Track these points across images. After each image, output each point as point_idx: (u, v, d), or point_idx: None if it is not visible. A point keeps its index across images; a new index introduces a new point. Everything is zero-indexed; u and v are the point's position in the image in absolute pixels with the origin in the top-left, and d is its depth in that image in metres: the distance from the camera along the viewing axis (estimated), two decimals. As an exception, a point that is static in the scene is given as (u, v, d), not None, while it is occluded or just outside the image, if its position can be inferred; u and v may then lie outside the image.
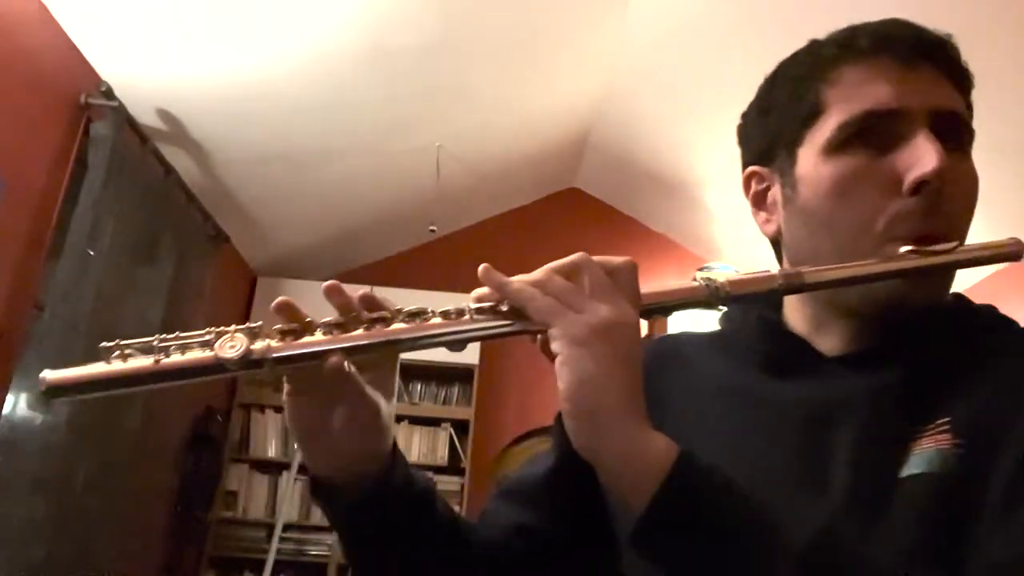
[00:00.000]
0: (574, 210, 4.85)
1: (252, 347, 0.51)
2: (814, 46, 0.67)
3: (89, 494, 2.60)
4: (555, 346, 0.51)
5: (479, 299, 0.54)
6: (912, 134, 0.59)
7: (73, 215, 2.47)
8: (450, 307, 0.54)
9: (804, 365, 0.64)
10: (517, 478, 0.77)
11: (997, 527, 0.49)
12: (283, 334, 0.53)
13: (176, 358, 0.51)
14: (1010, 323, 0.63)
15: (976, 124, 0.64)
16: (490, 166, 4.15)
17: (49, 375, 0.52)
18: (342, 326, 0.54)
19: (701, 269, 3.95)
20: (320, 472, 0.59)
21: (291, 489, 3.87)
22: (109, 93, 2.58)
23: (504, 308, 0.54)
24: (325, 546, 3.89)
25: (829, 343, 0.64)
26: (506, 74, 3.38)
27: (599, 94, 3.81)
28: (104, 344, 0.53)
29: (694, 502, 0.48)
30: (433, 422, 4.15)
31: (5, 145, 2.25)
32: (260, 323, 0.53)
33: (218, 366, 0.51)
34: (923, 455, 0.54)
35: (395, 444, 0.61)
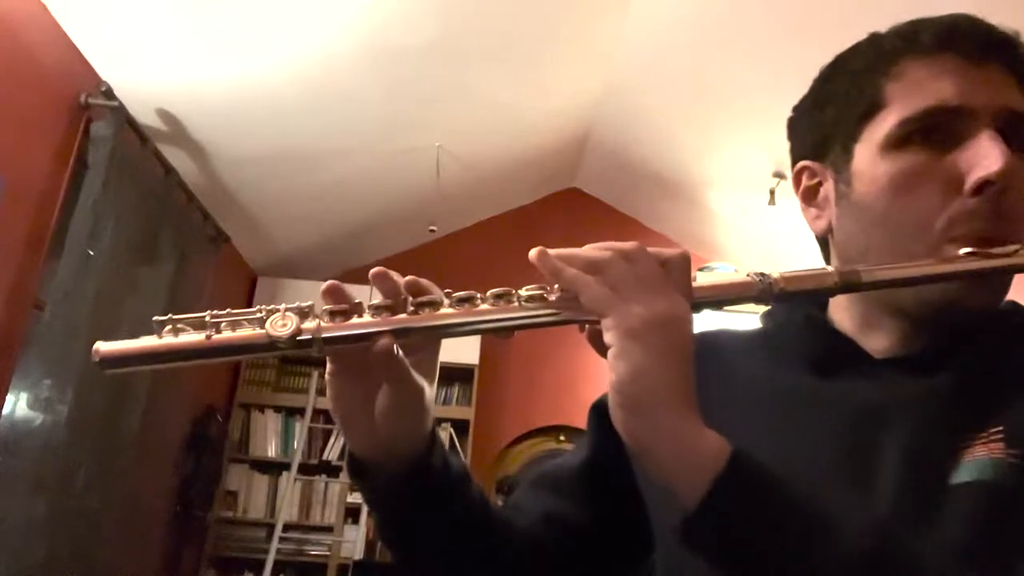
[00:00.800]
0: (574, 210, 4.85)
1: (303, 326, 0.51)
2: (875, 39, 0.65)
3: (89, 494, 2.60)
4: (608, 337, 0.50)
5: (530, 287, 0.53)
6: (975, 133, 0.57)
7: (73, 215, 2.47)
8: (500, 289, 0.53)
9: (852, 366, 0.62)
10: (549, 468, 0.76)
11: None
12: (332, 314, 0.53)
13: (228, 334, 0.52)
14: None
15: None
16: (490, 166, 4.15)
17: (103, 346, 0.52)
18: (390, 308, 0.53)
19: (701, 269, 3.95)
20: (359, 451, 0.59)
21: (291, 489, 3.88)
22: (109, 93, 2.58)
23: (553, 296, 0.52)
24: (325, 546, 3.89)
25: (878, 343, 0.63)
26: (506, 74, 3.38)
27: (599, 94, 3.81)
28: (157, 318, 0.54)
29: (749, 499, 0.47)
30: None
31: (5, 145, 2.25)
32: (311, 303, 0.53)
33: (269, 344, 0.51)
34: (975, 463, 0.52)
35: (434, 427, 0.61)
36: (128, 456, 2.85)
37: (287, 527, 3.80)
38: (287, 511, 3.83)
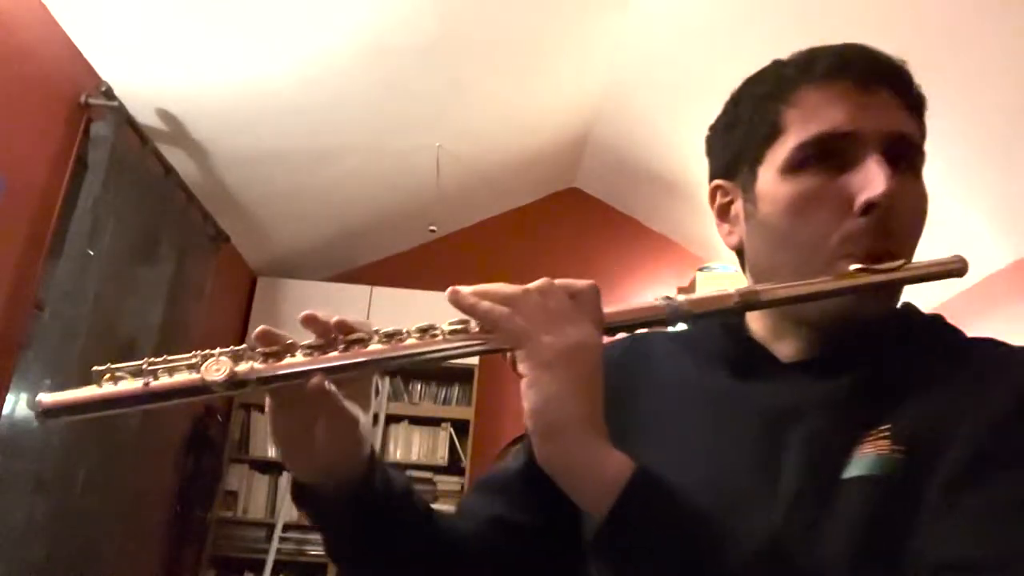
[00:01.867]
0: (574, 210, 4.85)
1: (237, 369, 0.54)
2: (777, 66, 0.70)
3: (89, 494, 2.59)
4: (522, 367, 0.54)
5: (453, 321, 0.57)
6: (864, 157, 0.62)
7: (73, 215, 2.47)
8: (424, 324, 0.57)
9: (763, 369, 0.68)
10: (493, 473, 0.80)
11: (932, 531, 0.53)
12: (266, 356, 0.56)
13: (164, 381, 0.54)
14: (955, 334, 0.68)
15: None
16: (490, 166, 4.15)
17: (44, 398, 0.54)
18: (321, 347, 0.57)
19: (701, 269, 3.95)
20: (302, 478, 0.63)
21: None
22: (109, 93, 2.58)
23: (475, 328, 0.57)
24: (325, 546, 3.89)
25: (786, 349, 0.68)
26: (506, 74, 3.39)
27: (599, 94, 3.81)
28: (96, 368, 0.55)
29: (647, 516, 0.52)
30: (433, 422, 4.15)
31: (5, 145, 2.25)
32: (244, 346, 0.56)
33: (205, 388, 0.54)
34: (865, 459, 0.58)
35: (373, 449, 0.64)
36: (128, 456, 2.85)
37: (287, 527, 3.80)
38: (287, 511, 3.82)
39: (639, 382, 0.73)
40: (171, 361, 0.55)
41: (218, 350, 0.55)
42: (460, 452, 4.13)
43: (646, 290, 4.63)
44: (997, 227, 3.24)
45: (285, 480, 3.92)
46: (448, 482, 4.06)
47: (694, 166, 3.87)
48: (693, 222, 4.39)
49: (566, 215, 4.84)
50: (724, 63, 3.10)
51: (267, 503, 3.99)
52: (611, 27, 3.23)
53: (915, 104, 0.67)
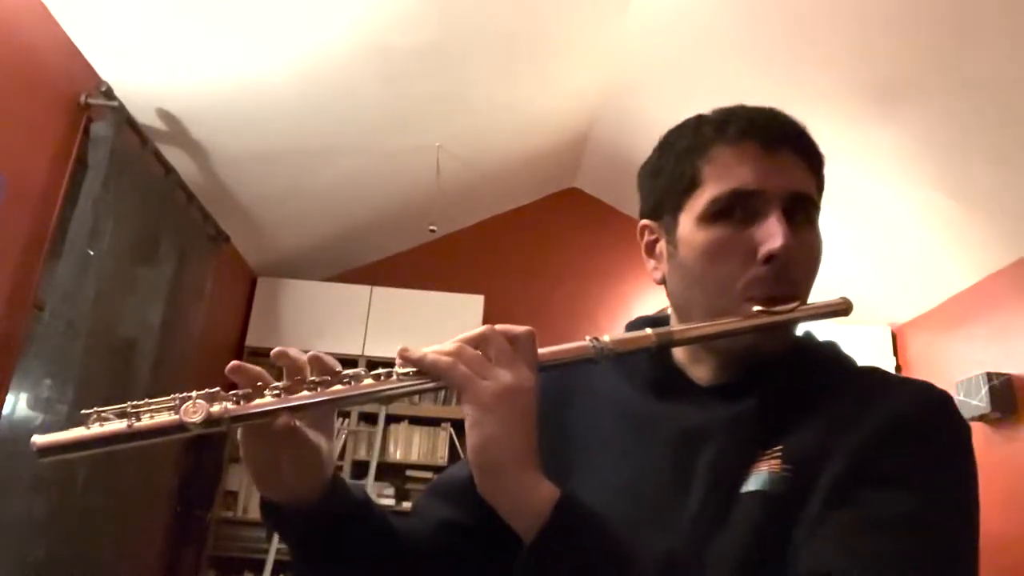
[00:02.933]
0: (574, 210, 4.85)
1: (212, 410, 0.61)
2: (697, 123, 0.78)
3: (89, 494, 2.59)
4: (465, 410, 0.61)
5: (403, 364, 0.65)
6: (768, 213, 0.71)
7: (73, 215, 2.47)
8: (380, 371, 0.65)
9: (683, 392, 0.77)
10: (445, 477, 0.88)
11: (806, 545, 0.61)
12: (238, 398, 0.63)
13: (146, 422, 0.61)
14: (845, 363, 0.77)
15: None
16: (490, 166, 4.15)
17: (39, 439, 0.60)
18: (288, 389, 0.64)
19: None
20: (271, 497, 0.70)
21: (291, 489, 3.87)
22: (109, 93, 2.58)
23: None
24: (325, 546, 3.89)
25: (702, 374, 0.78)
26: (506, 74, 3.39)
27: (599, 94, 3.81)
28: (84, 411, 0.61)
29: (565, 543, 0.59)
30: (433, 422, 4.15)
31: (5, 145, 2.25)
32: (217, 388, 0.63)
33: (183, 427, 0.60)
34: (758, 476, 0.66)
35: (335, 472, 0.72)
36: (128, 456, 2.85)
37: (287, 527, 3.79)
38: (287, 511, 3.82)
39: (575, 401, 0.83)
40: (152, 404, 0.61)
41: (195, 393, 0.62)
42: (460, 452, 4.12)
43: (646, 290, 4.63)
44: (997, 227, 3.24)
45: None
46: (448, 482, 4.05)
47: (694, 166, 3.87)
48: (693, 222, 4.38)
49: (566, 215, 4.84)
50: (724, 63, 3.11)
51: (267, 503, 3.98)
52: (611, 27, 3.23)
53: (814, 162, 0.76)
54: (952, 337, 3.81)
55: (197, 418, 0.60)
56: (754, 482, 0.66)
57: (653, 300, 4.50)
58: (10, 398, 2.34)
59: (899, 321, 4.24)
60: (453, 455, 4.12)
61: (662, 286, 0.82)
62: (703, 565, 0.64)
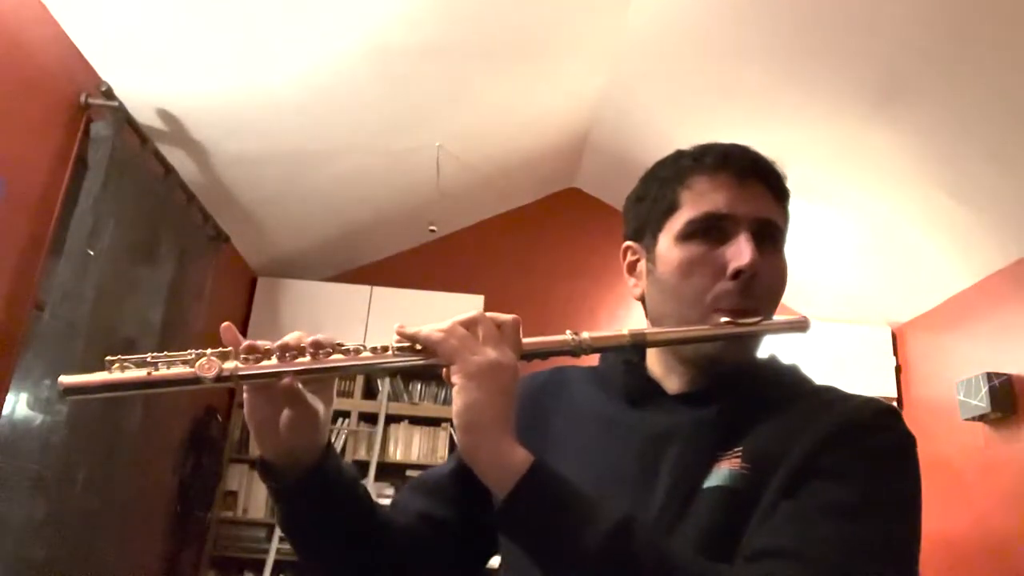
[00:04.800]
0: (574, 210, 4.85)
1: (224, 367, 0.67)
2: (678, 156, 0.87)
3: (89, 494, 2.59)
4: (454, 378, 0.68)
5: (399, 340, 0.71)
6: (737, 234, 0.79)
7: (73, 215, 2.47)
8: (378, 344, 0.71)
9: (654, 400, 0.84)
10: (424, 475, 0.96)
11: (757, 529, 0.68)
12: (248, 358, 0.69)
13: (164, 372, 0.67)
14: (805, 382, 0.84)
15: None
16: (490, 166, 4.15)
17: (65, 379, 0.66)
18: (293, 355, 0.70)
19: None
20: (267, 456, 0.75)
21: (291, 489, 3.87)
22: (109, 93, 2.58)
23: (419, 347, 0.71)
24: (325, 546, 3.89)
25: (674, 384, 0.85)
26: (506, 74, 3.39)
27: (599, 94, 3.81)
28: (108, 357, 0.68)
29: (538, 496, 0.65)
30: (433, 422, 4.16)
31: (5, 145, 2.25)
32: (230, 348, 0.69)
33: (196, 380, 0.67)
34: (719, 473, 0.73)
35: (330, 440, 0.78)
36: (128, 456, 2.85)
37: (287, 527, 3.79)
38: (287, 511, 3.82)
39: (555, 405, 0.90)
40: (171, 356, 0.68)
41: (209, 350, 0.68)
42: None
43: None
44: (997, 227, 3.24)
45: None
46: (448, 482, 4.06)
47: (694, 166, 3.87)
48: (693, 222, 4.38)
49: (566, 215, 4.84)
50: (723, 64, 3.11)
51: (267, 503, 3.98)
52: (611, 27, 3.23)
53: (781, 196, 0.84)
54: (952, 337, 3.81)
55: (210, 372, 0.66)
56: (715, 478, 0.73)
57: (653, 300, 4.50)
58: (10, 398, 2.34)
59: (899, 321, 4.24)
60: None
61: (640, 303, 0.89)
62: (662, 534, 0.71)
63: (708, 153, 0.84)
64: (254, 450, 4.03)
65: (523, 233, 4.79)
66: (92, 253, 2.51)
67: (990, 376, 3.31)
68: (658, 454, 0.77)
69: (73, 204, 2.49)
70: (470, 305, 4.17)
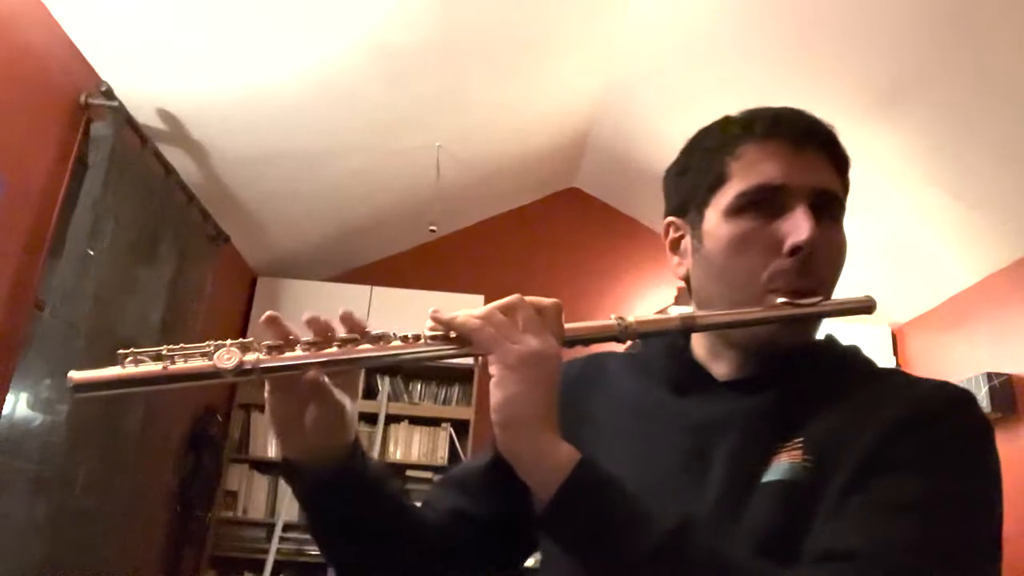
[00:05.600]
0: (574, 210, 4.85)
1: (244, 358, 0.62)
2: (724, 123, 0.80)
3: (89, 494, 2.59)
4: (492, 369, 0.63)
5: (433, 328, 0.66)
6: (794, 207, 0.72)
7: (73, 215, 2.47)
8: (409, 332, 0.66)
9: (700, 386, 0.77)
10: (457, 469, 0.90)
11: (824, 527, 0.62)
12: (270, 348, 0.64)
13: (181, 365, 0.62)
14: (867, 362, 0.77)
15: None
16: (490, 166, 4.15)
17: (75, 375, 0.61)
18: (318, 344, 0.65)
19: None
20: (291, 456, 0.71)
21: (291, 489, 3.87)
22: (109, 93, 2.58)
23: (452, 335, 0.65)
24: (325, 546, 3.89)
25: (722, 369, 0.78)
26: (506, 74, 3.39)
27: (599, 94, 3.81)
28: (121, 351, 0.62)
29: (585, 497, 0.60)
30: (433, 422, 4.15)
31: (5, 145, 2.25)
32: (251, 339, 0.64)
33: (215, 373, 0.61)
34: (779, 466, 0.67)
35: (356, 436, 0.73)
36: (128, 456, 2.85)
37: (287, 527, 3.80)
38: (287, 511, 3.82)
39: (593, 395, 0.84)
40: (187, 349, 0.63)
41: (228, 341, 0.63)
42: (460, 452, 4.12)
43: (646, 290, 4.63)
44: (998, 226, 3.24)
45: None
46: (448, 482, 4.05)
47: (694, 166, 3.87)
48: (693, 222, 4.38)
49: (566, 215, 4.84)
50: (724, 63, 3.11)
51: (267, 503, 3.99)
52: (611, 27, 3.23)
53: (840, 163, 0.77)
54: (952, 337, 3.81)
55: (230, 364, 0.61)
56: (774, 472, 0.67)
57: (653, 300, 4.51)
58: (10, 398, 2.34)
59: (899, 321, 4.24)
60: (453, 455, 4.12)
61: (684, 283, 0.82)
62: (720, 537, 0.64)
63: (758, 119, 0.76)
64: (254, 450, 4.04)
65: (523, 233, 4.79)
66: (92, 253, 2.51)
67: (990, 376, 3.31)
68: (709, 445, 0.71)
69: (73, 204, 2.49)
70: (470, 305, 4.13)
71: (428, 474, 4.02)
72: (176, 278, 3.14)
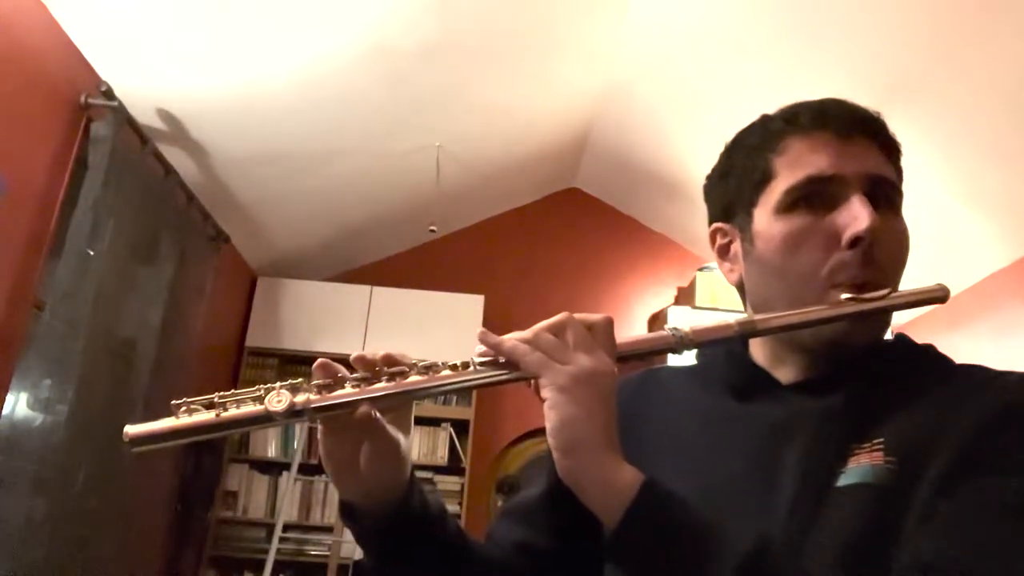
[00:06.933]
0: (574, 210, 4.85)
1: (295, 400, 0.62)
2: (765, 120, 0.77)
3: (89, 494, 2.59)
4: (544, 393, 0.61)
5: (482, 353, 0.64)
6: (848, 197, 0.69)
7: (73, 215, 2.47)
8: (457, 361, 0.65)
9: (765, 391, 0.74)
10: (516, 500, 0.87)
11: (914, 535, 0.57)
12: (320, 388, 0.63)
13: (233, 412, 0.62)
14: (945, 359, 0.73)
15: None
16: (490, 166, 4.15)
17: (131, 429, 0.62)
18: (367, 380, 0.64)
19: (701, 269, 3.95)
20: (349, 497, 0.69)
21: (291, 489, 3.88)
22: (109, 93, 2.58)
23: (502, 359, 0.64)
24: (325, 546, 3.89)
25: (786, 373, 0.74)
26: (506, 74, 3.39)
27: (599, 94, 3.81)
28: (174, 402, 0.63)
29: (654, 522, 0.58)
30: (433, 422, 4.15)
31: (5, 145, 2.25)
32: (301, 380, 0.64)
33: (268, 417, 0.62)
34: (858, 469, 0.62)
35: (412, 472, 0.71)
36: (128, 456, 2.85)
37: (287, 527, 3.80)
38: (287, 511, 3.83)
39: (651, 410, 0.80)
40: (239, 394, 0.63)
41: (278, 384, 0.63)
42: (460, 452, 4.13)
43: (646, 290, 4.63)
44: (998, 226, 3.24)
45: (285, 480, 3.93)
46: (448, 482, 4.06)
47: (694, 166, 3.87)
48: (693, 222, 4.38)
49: (566, 215, 4.84)
50: (723, 63, 3.11)
51: (267, 503, 3.99)
52: (611, 27, 3.23)
53: (891, 150, 0.74)
54: (952, 337, 3.81)
55: (281, 407, 0.61)
56: (853, 475, 0.62)
57: (653, 300, 4.51)
58: (10, 398, 2.34)
59: (900, 321, 4.24)
60: (453, 455, 4.12)
61: (738, 289, 0.80)
62: (798, 554, 0.61)
63: (801, 112, 0.73)
64: (254, 450, 4.05)
65: (523, 233, 4.79)
66: (92, 253, 2.51)
67: (990, 376, 3.31)
68: (777, 450, 0.67)
69: (73, 204, 2.49)
70: (470, 305, 4.17)
71: (428, 474, 4.03)
72: (176, 278, 3.14)
